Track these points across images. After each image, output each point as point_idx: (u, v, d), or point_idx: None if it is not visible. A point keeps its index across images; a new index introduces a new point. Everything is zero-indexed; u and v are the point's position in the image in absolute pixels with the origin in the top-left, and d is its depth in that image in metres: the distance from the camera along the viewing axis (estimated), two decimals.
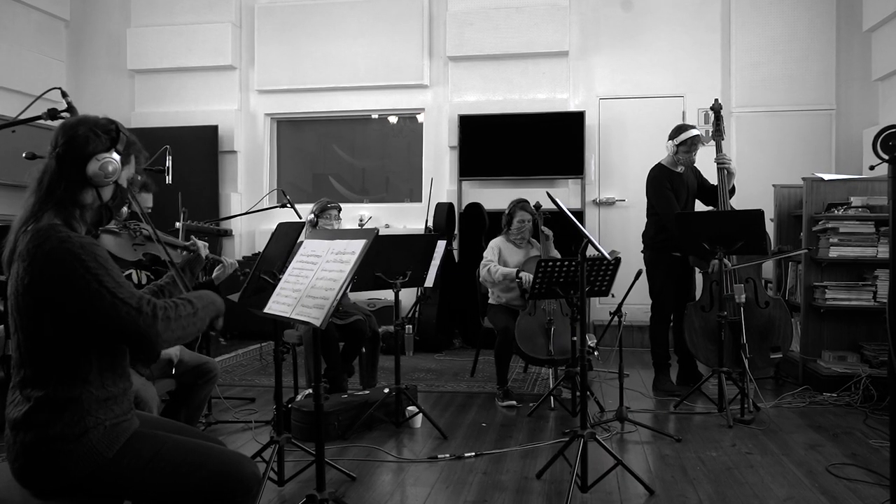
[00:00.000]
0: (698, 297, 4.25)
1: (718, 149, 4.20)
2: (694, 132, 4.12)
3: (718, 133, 4.24)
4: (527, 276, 3.90)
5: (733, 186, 4.22)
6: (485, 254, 4.18)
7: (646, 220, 4.36)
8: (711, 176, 4.29)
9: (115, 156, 1.59)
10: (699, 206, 4.43)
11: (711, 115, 4.31)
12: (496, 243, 4.22)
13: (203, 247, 2.14)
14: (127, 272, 2.61)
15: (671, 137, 4.17)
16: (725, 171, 4.15)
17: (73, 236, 1.48)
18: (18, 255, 1.49)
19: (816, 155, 5.74)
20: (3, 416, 1.54)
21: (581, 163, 5.99)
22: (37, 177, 1.58)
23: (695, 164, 4.32)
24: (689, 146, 4.12)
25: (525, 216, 4.15)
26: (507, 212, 4.25)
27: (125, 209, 1.82)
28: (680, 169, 4.23)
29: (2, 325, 3.10)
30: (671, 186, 4.17)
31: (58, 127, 1.60)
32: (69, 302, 1.45)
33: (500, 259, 4.15)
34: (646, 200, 4.34)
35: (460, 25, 6.18)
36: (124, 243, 2.04)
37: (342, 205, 4.29)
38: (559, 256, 4.19)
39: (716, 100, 4.32)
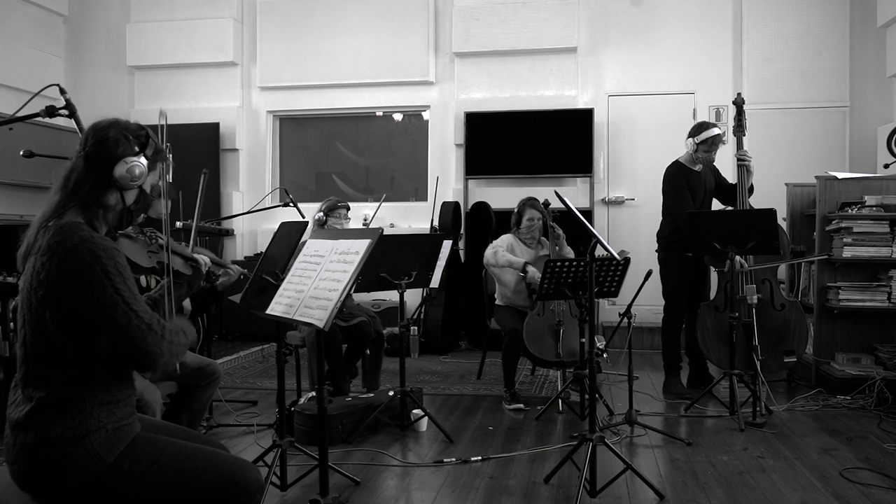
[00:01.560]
0: (713, 297, 4.19)
1: (739, 145, 4.13)
2: (716, 131, 4.06)
3: (740, 129, 4.16)
4: (533, 271, 3.85)
5: (752, 185, 4.15)
6: (495, 241, 4.15)
7: (661, 218, 4.29)
8: (729, 174, 4.22)
9: (143, 160, 1.62)
10: (717, 206, 4.37)
11: (733, 109, 4.22)
12: (507, 239, 4.18)
13: (205, 264, 2.14)
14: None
15: (692, 135, 4.10)
16: (745, 169, 4.08)
17: (96, 237, 1.50)
18: (38, 249, 1.50)
19: (830, 153, 5.68)
20: (3, 418, 1.53)
21: (590, 161, 5.94)
22: (63, 174, 1.60)
23: (714, 163, 4.26)
24: (709, 145, 4.06)
25: (534, 214, 4.12)
26: (515, 210, 4.22)
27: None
28: (698, 167, 4.17)
29: None
30: (688, 185, 4.11)
31: (89, 128, 1.63)
32: (82, 303, 1.45)
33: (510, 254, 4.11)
34: (660, 199, 4.28)
35: (466, 21, 6.13)
36: (140, 249, 2.03)
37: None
38: (572, 254, 4.16)
39: (738, 94, 4.24)
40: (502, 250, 4.01)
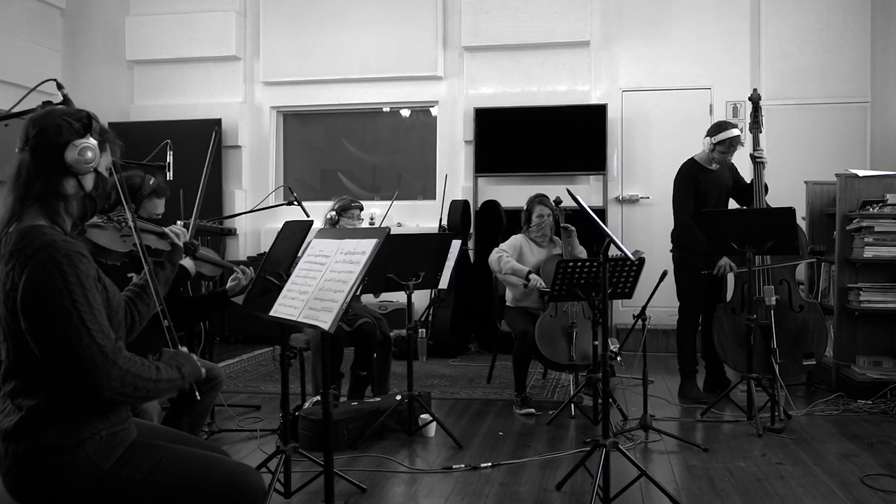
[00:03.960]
0: (729, 299, 4.14)
1: (756, 142, 4.08)
2: (734, 132, 3.98)
3: (756, 125, 4.12)
4: (535, 279, 3.81)
5: (766, 184, 4.10)
6: (502, 244, 4.12)
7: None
8: (745, 170, 4.16)
9: (92, 141, 1.56)
10: (733, 206, 4.30)
11: (749, 105, 4.18)
12: (517, 241, 4.14)
13: (178, 235, 2.09)
14: (129, 274, 2.54)
15: (710, 134, 4.04)
16: (761, 166, 4.02)
17: (59, 241, 1.45)
18: (1, 258, 1.46)
19: (850, 150, 5.58)
20: None
21: (603, 158, 5.86)
22: (13, 173, 1.54)
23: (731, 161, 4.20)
24: (727, 146, 3.99)
25: (544, 210, 4.08)
26: (525, 208, 4.18)
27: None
28: (714, 166, 4.10)
29: None
30: (701, 184, 4.05)
31: (26, 121, 1.56)
32: (37, 311, 1.40)
33: (519, 258, 4.06)
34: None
35: (476, 14, 6.05)
36: (112, 235, 1.99)
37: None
38: (585, 253, 4.11)
39: (755, 90, 4.20)
40: (507, 256, 3.97)
